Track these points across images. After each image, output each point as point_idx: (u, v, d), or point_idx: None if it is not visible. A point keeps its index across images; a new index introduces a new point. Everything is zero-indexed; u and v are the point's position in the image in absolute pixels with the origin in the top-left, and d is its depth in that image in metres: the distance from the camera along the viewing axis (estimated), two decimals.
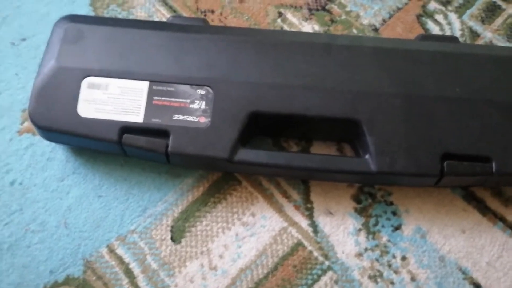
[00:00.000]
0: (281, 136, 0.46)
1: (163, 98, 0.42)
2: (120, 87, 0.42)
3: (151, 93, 0.42)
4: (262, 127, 0.43)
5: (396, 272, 0.41)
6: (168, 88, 0.42)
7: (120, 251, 0.42)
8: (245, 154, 0.41)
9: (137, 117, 0.41)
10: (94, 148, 0.44)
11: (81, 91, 0.42)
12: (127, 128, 0.41)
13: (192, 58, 0.43)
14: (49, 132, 0.42)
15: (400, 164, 0.40)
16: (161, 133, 0.41)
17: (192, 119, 0.41)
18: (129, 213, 0.43)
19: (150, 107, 0.42)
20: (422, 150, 0.40)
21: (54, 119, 0.41)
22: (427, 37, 0.46)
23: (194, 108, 0.42)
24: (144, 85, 0.42)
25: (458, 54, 0.44)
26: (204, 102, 0.42)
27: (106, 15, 0.52)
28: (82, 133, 0.41)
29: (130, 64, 0.43)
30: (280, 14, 0.52)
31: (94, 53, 0.43)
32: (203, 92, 0.42)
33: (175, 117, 0.41)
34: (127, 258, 0.42)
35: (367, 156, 0.41)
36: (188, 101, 0.42)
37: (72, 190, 0.44)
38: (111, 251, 0.42)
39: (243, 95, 0.42)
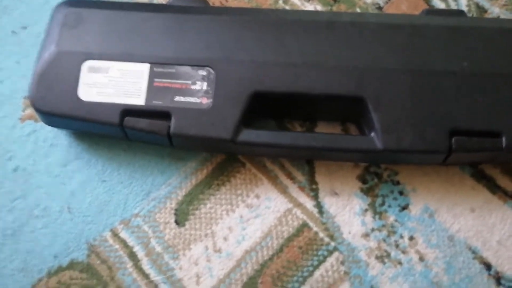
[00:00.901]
0: (285, 118, 0.45)
1: (164, 80, 0.42)
2: (120, 70, 0.42)
3: (152, 75, 0.42)
4: (265, 108, 0.43)
5: (404, 252, 0.40)
6: (169, 70, 0.42)
7: (124, 234, 0.41)
8: (249, 135, 0.40)
9: (138, 99, 0.41)
10: (96, 132, 0.44)
11: (82, 75, 0.42)
12: (129, 111, 0.41)
13: (192, 39, 0.43)
14: (51, 116, 0.42)
15: (406, 141, 0.39)
16: (163, 115, 0.41)
17: (193, 100, 0.41)
18: (133, 197, 0.43)
19: (151, 89, 0.41)
20: (429, 126, 0.39)
21: (55, 104, 0.41)
22: (433, 11, 0.45)
23: (196, 89, 0.41)
24: (144, 67, 0.42)
25: (465, 27, 0.42)
26: (205, 83, 0.41)
27: None
28: (83, 116, 0.41)
29: (130, 46, 0.42)
30: None
31: (94, 36, 0.43)
32: (204, 73, 0.42)
33: (177, 98, 0.41)
34: (131, 241, 0.41)
35: (373, 134, 0.40)
36: (189, 82, 0.41)
37: (75, 175, 0.44)
38: (115, 235, 0.41)
39: (245, 74, 0.41)
